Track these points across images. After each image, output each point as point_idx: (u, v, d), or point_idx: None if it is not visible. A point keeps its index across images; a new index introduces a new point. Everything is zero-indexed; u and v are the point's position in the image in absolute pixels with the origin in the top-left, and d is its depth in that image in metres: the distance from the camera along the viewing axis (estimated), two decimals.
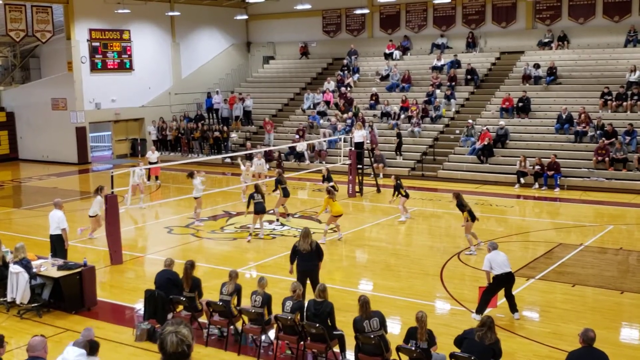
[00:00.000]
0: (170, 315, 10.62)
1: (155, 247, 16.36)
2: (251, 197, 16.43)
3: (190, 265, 10.62)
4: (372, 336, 8.63)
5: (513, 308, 10.93)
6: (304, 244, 11.24)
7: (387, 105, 28.60)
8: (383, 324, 8.80)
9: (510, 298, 10.96)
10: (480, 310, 10.76)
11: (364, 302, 8.78)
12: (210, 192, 20.73)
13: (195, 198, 18.09)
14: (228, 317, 10.13)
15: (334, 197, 16.28)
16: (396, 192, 17.89)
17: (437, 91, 28.66)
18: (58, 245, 13.30)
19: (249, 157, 23.88)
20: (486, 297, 10.83)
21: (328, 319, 9.21)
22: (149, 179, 24.99)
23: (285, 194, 18.18)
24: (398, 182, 17.85)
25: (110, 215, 14.57)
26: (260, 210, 16.34)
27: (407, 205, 18.33)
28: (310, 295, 10.16)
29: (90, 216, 16.42)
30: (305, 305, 9.54)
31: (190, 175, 18.51)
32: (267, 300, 9.84)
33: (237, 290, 10.25)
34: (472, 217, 14.95)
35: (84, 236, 16.45)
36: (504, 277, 10.77)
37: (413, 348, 8.35)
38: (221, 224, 18.40)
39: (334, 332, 9.31)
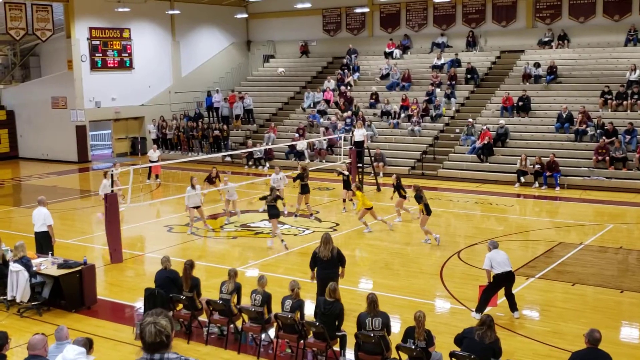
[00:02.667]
0: (170, 314, 10.65)
1: (155, 246, 16.36)
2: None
3: (189, 266, 10.58)
4: (372, 335, 8.64)
5: (513, 307, 10.92)
6: (324, 250, 10.76)
7: (387, 104, 28.59)
8: (386, 326, 8.79)
9: (510, 297, 10.95)
10: (480, 309, 10.74)
11: (371, 301, 8.81)
12: (209, 190, 20.71)
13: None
14: (228, 316, 10.14)
15: (362, 190, 17.20)
16: (395, 191, 17.88)
17: (437, 90, 28.65)
18: (44, 241, 13.36)
19: (250, 157, 23.71)
20: (486, 296, 10.82)
21: (337, 320, 9.21)
22: (149, 177, 25.06)
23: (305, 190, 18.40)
24: (398, 181, 17.82)
25: (110, 214, 14.57)
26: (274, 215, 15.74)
27: (406, 205, 18.26)
28: None
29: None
30: (310, 303, 9.53)
31: (105, 175, 18.47)
32: (267, 299, 9.84)
33: (237, 289, 10.26)
34: (428, 211, 15.38)
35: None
36: (504, 276, 10.76)
37: (412, 347, 8.36)
38: (221, 222, 18.39)
39: (337, 333, 9.31)
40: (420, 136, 27.05)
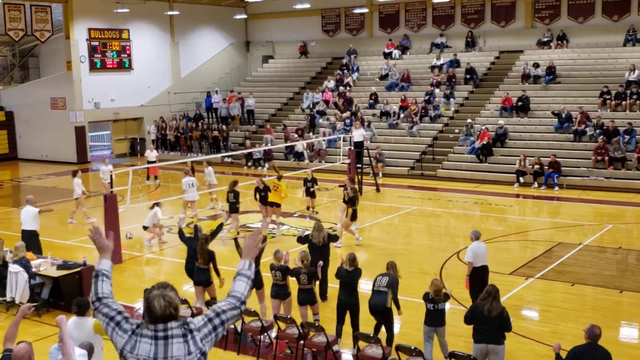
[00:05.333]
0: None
1: (154, 247, 16.33)
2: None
3: (204, 240, 11.01)
4: (371, 335, 8.66)
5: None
6: (318, 237, 11.51)
7: (387, 104, 28.60)
8: (391, 285, 9.33)
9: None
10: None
11: (391, 265, 9.65)
12: (208, 191, 20.70)
13: (76, 198, 18.37)
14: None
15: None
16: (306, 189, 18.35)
17: (437, 90, 28.66)
18: (30, 241, 13.30)
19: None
20: (473, 294, 10.61)
21: (357, 285, 9.84)
22: (148, 178, 25.06)
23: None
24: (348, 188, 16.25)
25: (109, 215, 14.57)
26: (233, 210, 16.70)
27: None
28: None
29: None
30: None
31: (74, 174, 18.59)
32: (285, 272, 10.19)
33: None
34: (354, 217, 15.35)
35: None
36: (480, 271, 10.66)
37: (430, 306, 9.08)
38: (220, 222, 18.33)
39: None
40: (419, 136, 27.06)
